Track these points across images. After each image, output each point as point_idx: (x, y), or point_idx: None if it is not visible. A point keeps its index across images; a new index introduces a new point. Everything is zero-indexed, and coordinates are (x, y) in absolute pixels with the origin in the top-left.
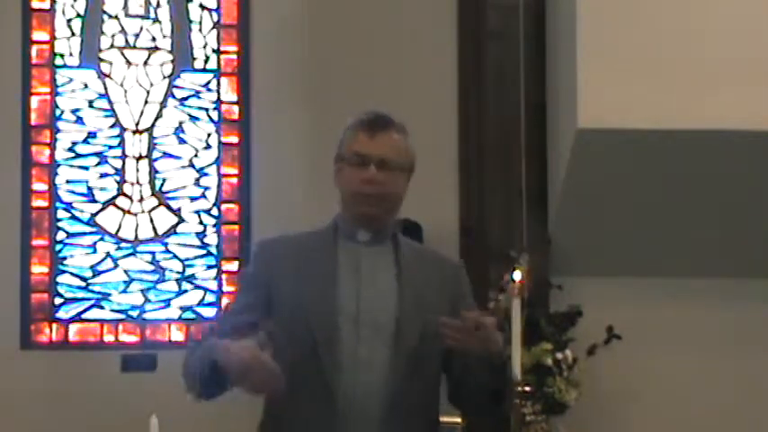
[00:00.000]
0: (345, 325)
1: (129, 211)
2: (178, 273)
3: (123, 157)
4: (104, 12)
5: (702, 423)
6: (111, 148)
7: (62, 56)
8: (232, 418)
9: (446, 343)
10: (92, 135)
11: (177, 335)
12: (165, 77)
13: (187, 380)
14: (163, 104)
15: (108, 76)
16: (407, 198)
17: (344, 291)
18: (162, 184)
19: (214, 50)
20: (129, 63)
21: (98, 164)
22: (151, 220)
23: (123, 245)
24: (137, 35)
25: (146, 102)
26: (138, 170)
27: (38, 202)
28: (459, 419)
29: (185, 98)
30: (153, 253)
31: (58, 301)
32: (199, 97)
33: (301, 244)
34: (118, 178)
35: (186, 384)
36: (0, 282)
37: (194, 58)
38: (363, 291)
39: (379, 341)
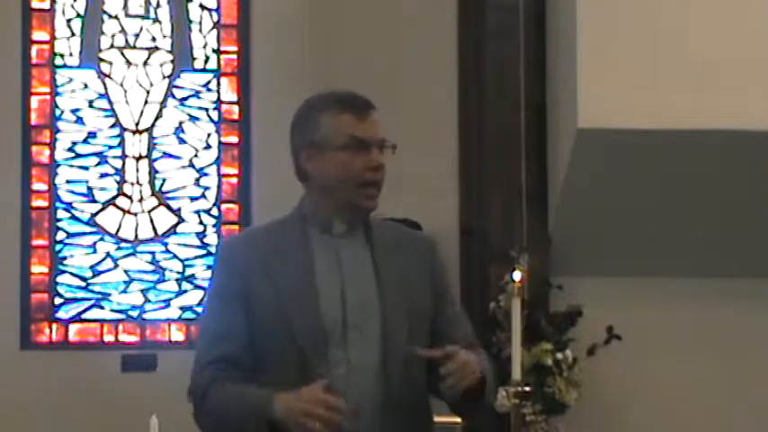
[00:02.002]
0: (333, 329)
1: (129, 211)
2: (178, 273)
3: (123, 157)
4: (104, 12)
5: (702, 423)
6: (111, 148)
7: (62, 56)
8: None
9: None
10: (92, 135)
11: (177, 335)
12: (165, 77)
13: (214, 422)
14: (163, 104)
15: (108, 76)
16: (408, 198)
17: (328, 292)
18: (162, 184)
19: (214, 50)
20: (129, 63)
21: (98, 164)
22: (151, 220)
23: (123, 245)
24: (137, 35)
25: (146, 102)
26: (138, 170)
27: (38, 202)
28: (458, 419)
29: (185, 98)
30: (153, 253)
31: (58, 301)
32: (199, 97)
33: (271, 241)
34: (118, 178)
35: (208, 423)
36: (0, 282)
37: (194, 58)
38: (348, 291)
39: (368, 342)
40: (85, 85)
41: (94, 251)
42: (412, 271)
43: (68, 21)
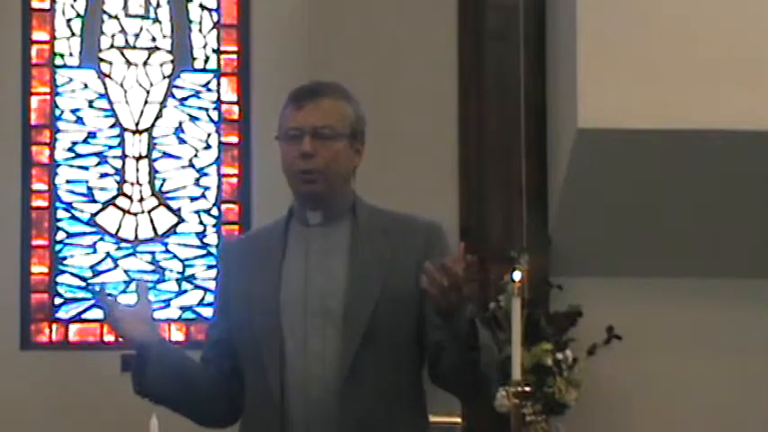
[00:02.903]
0: (294, 315)
1: (129, 211)
2: (178, 273)
3: (123, 157)
4: (104, 12)
5: (702, 423)
6: (111, 148)
7: (62, 56)
8: None
9: (429, 293)
10: (92, 135)
11: (177, 335)
12: (165, 77)
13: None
14: (163, 104)
15: (108, 76)
16: (407, 198)
17: (292, 279)
18: (162, 184)
19: (214, 50)
20: (129, 63)
21: (98, 164)
22: (151, 220)
23: (123, 245)
24: (137, 35)
25: (146, 102)
26: (138, 170)
27: (38, 202)
28: (458, 419)
29: (185, 98)
30: (153, 253)
31: (58, 301)
32: (199, 97)
33: (258, 239)
34: (118, 178)
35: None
36: (0, 282)
37: (194, 58)
38: (311, 277)
39: (330, 330)
40: (85, 85)
41: (94, 251)
42: (399, 255)
43: (68, 21)
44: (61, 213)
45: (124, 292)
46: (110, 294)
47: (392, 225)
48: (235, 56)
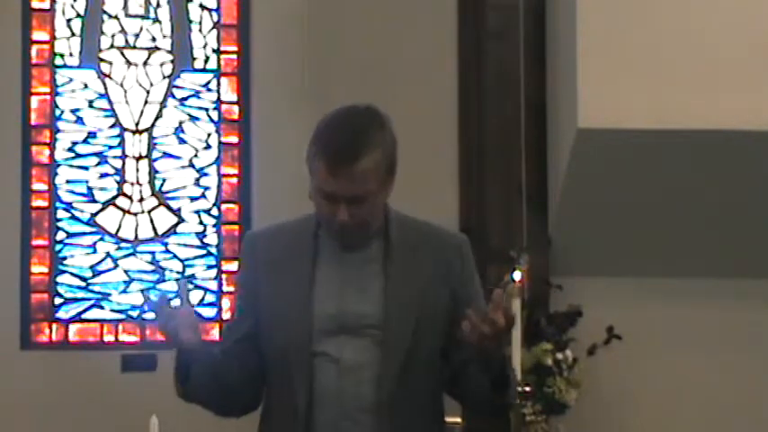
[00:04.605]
0: (327, 327)
1: (129, 211)
2: (178, 273)
3: (123, 157)
4: (104, 12)
5: (702, 423)
6: (111, 148)
7: (62, 56)
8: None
9: (464, 336)
10: (92, 135)
11: None
12: (165, 77)
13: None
14: (163, 104)
15: (108, 76)
16: (407, 198)
17: (324, 291)
18: (162, 184)
19: (214, 50)
20: (129, 63)
21: (98, 164)
22: (151, 220)
23: (123, 245)
24: (137, 35)
25: (146, 102)
26: (138, 170)
27: (38, 202)
28: (459, 419)
29: (185, 98)
30: (153, 253)
31: (58, 301)
32: (199, 97)
33: (284, 237)
34: (118, 178)
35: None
36: (0, 282)
37: (194, 58)
38: (346, 290)
39: (365, 344)
40: (85, 85)
41: (94, 251)
42: (430, 271)
43: (68, 21)
44: (61, 213)
45: (124, 291)
46: (160, 297)
47: (421, 240)
48: (235, 56)
